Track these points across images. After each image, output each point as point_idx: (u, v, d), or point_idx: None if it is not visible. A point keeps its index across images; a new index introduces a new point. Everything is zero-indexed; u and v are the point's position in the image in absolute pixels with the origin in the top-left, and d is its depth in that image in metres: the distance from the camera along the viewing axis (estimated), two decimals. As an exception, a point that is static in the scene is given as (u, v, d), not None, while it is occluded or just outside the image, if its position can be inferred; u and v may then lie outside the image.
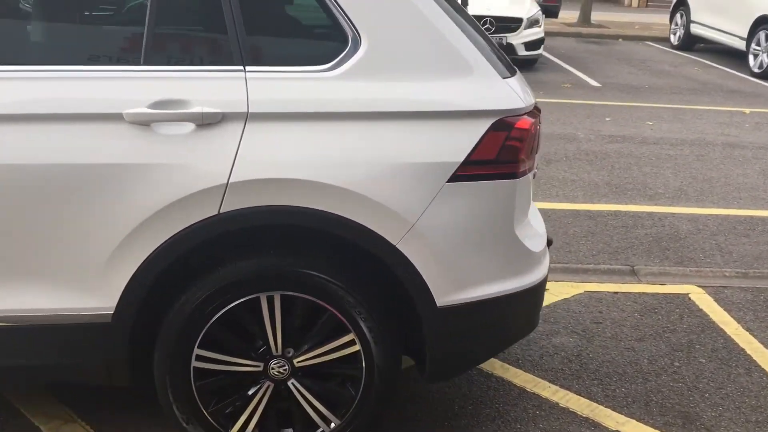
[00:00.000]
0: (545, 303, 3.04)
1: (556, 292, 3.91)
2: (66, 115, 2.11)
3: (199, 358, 2.33)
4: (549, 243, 3.28)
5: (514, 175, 2.34)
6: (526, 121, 2.35)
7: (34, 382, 2.71)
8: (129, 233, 2.16)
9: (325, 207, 2.19)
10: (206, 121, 2.15)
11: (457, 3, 2.72)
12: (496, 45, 2.63)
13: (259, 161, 2.17)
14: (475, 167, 2.29)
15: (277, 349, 2.37)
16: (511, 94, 2.35)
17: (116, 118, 2.12)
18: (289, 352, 2.39)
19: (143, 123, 2.13)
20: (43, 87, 2.14)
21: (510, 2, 10.86)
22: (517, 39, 10.45)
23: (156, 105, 2.14)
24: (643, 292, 4.04)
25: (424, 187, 2.25)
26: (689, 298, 3.99)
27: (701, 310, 3.86)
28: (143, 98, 2.13)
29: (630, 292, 4.03)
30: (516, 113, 2.34)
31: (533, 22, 10.67)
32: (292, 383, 2.41)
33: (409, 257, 2.27)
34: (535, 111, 2.46)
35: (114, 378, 2.36)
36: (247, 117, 2.17)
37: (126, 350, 2.29)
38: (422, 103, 2.26)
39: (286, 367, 2.39)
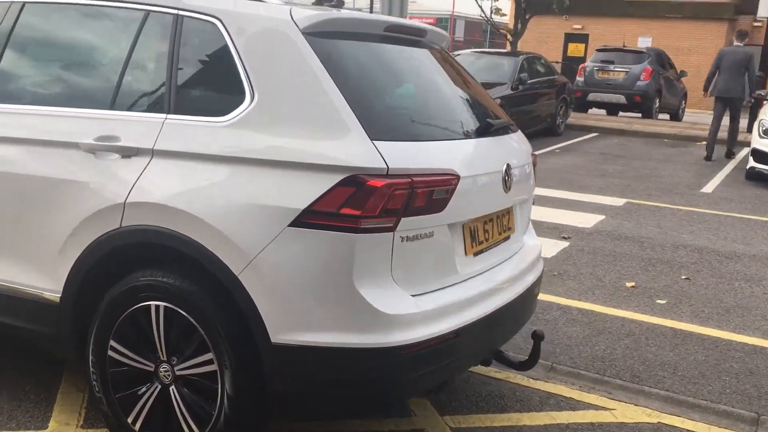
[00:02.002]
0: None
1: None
2: (40, 141, 2.91)
3: (112, 348, 2.83)
4: (538, 337, 3.12)
5: (354, 230, 2.42)
6: (378, 182, 2.43)
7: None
8: (70, 233, 2.82)
9: (186, 232, 2.57)
10: (125, 153, 2.74)
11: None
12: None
13: (147, 188, 2.67)
14: (316, 216, 2.44)
15: (163, 355, 2.75)
16: (373, 155, 2.46)
17: (75, 146, 2.84)
18: (173, 360, 2.75)
19: (89, 150, 2.81)
20: (27, 120, 2.99)
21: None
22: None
23: (99, 138, 2.80)
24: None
25: (267, 227, 2.48)
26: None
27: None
28: (92, 133, 2.81)
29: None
30: (371, 173, 2.44)
31: None
32: (172, 389, 2.75)
33: (247, 289, 2.50)
34: (416, 175, 2.51)
35: (59, 350, 2.99)
36: (153, 153, 2.70)
37: (68, 328, 2.91)
38: (282, 152, 2.53)
39: (170, 373, 2.75)
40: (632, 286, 5.51)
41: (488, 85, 12.38)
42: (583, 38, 29.78)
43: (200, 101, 2.81)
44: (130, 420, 2.84)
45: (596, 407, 3.65)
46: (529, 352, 3.45)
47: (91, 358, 2.88)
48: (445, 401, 3.56)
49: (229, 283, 2.53)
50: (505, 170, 3.04)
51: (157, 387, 2.78)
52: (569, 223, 7.43)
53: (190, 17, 2.84)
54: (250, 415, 2.64)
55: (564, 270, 5.85)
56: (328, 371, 2.52)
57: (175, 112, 2.76)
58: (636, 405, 3.70)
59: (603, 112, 18.71)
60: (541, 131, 14.37)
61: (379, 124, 2.57)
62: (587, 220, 7.63)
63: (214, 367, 2.63)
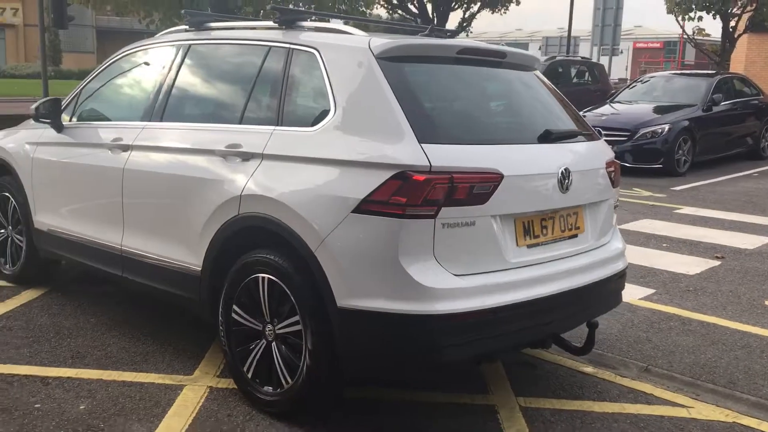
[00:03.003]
0: None
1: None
2: (185, 149, 3.80)
3: (234, 311, 3.60)
4: (592, 326, 3.47)
5: (400, 216, 2.97)
6: (420, 176, 2.96)
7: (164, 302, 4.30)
8: (207, 218, 3.64)
9: (280, 217, 3.27)
10: (244, 157, 3.52)
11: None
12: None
13: (255, 183, 3.41)
14: (372, 205, 3.02)
15: (267, 317, 3.46)
16: (419, 155, 3.00)
17: (212, 152, 3.68)
18: (274, 321, 3.44)
19: (221, 155, 3.63)
20: (182, 134, 3.88)
21: None
22: None
23: (228, 146, 3.61)
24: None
25: (336, 213, 3.10)
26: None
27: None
28: (224, 141, 3.63)
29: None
30: (416, 169, 2.98)
31: None
32: (273, 345, 3.45)
33: (320, 262, 3.13)
34: (457, 172, 3.00)
35: (200, 312, 3.82)
36: (262, 156, 3.45)
37: (206, 294, 3.73)
38: (352, 153, 3.14)
39: (272, 332, 3.45)
40: (770, 304, 5.37)
41: (676, 108, 12.14)
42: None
43: (299, 115, 3.52)
44: (244, 369, 3.57)
45: (674, 404, 3.80)
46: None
47: (220, 319, 3.66)
48: (525, 385, 3.92)
49: (308, 258, 3.18)
50: (562, 173, 3.39)
51: (263, 343, 3.49)
52: (730, 244, 7.23)
53: (298, 49, 3.57)
54: (325, 367, 3.24)
55: (702, 286, 5.82)
56: (379, 331, 3.06)
57: (282, 124, 3.49)
58: (717, 406, 3.79)
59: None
60: (742, 154, 13.62)
61: (429, 130, 3.10)
62: (751, 242, 7.36)
63: (299, 327, 3.28)
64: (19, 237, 5.25)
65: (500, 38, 67.45)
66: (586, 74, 16.39)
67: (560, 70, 15.35)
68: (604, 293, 3.73)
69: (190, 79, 4.17)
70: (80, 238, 4.56)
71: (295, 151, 3.35)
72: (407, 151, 3.02)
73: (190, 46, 4.20)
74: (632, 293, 5.54)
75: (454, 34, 3.99)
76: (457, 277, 3.07)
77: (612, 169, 3.84)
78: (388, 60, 3.28)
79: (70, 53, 46.69)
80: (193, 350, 4.21)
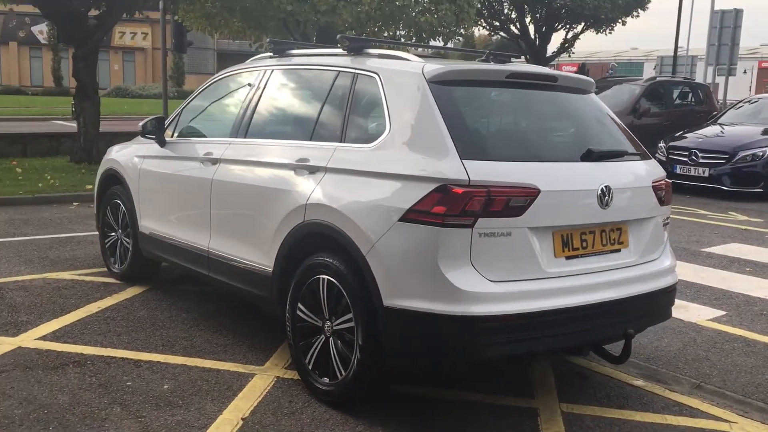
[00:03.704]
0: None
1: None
2: (262, 162, 4.25)
3: (299, 309, 4.00)
4: (628, 336, 3.66)
5: (440, 225, 3.28)
6: (459, 189, 3.26)
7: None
8: (278, 224, 4.07)
9: (337, 224, 3.65)
10: (311, 170, 3.93)
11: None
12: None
13: (319, 193, 3.81)
14: (416, 214, 3.35)
15: (326, 314, 3.84)
16: (460, 170, 3.30)
17: (285, 166, 4.11)
18: (332, 318, 3.82)
19: (292, 168, 4.06)
20: (259, 149, 4.34)
21: None
22: None
23: (298, 160, 4.04)
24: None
25: (385, 221, 3.45)
26: None
27: None
28: (295, 156, 4.07)
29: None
30: (456, 183, 3.29)
31: None
32: (331, 340, 3.82)
33: (370, 265, 3.48)
34: (494, 186, 3.28)
35: (270, 309, 4.25)
36: (326, 170, 3.85)
37: (276, 293, 4.16)
38: (402, 167, 3.49)
39: (330, 328, 3.82)
40: None
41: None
42: None
43: (359, 132, 3.89)
44: (306, 361, 3.96)
45: (718, 418, 3.87)
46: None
47: (287, 315, 4.07)
48: (571, 393, 4.10)
49: (360, 261, 3.53)
50: (602, 190, 3.60)
51: (322, 338, 3.87)
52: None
53: (362, 74, 3.97)
54: (373, 360, 3.57)
55: (778, 310, 5.75)
56: (420, 330, 3.37)
57: (344, 141, 3.88)
58: (763, 423, 3.84)
59: None
60: None
61: (471, 148, 3.40)
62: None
63: (352, 324, 3.63)
64: (126, 239, 5.90)
65: (614, 57, 66.00)
66: (690, 95, 16.00)
67: (661, 90, 15.09)
68: (647, 307, 3.87)
69: (270, 100, 4.65)
70: (175, 240, 5.13)
71: (352, 165, 3.73)
72: (449, 166, 3.33)
73: (272, 70, 4.69)
74: (701, 314, 5.57)
75: (509, 58, 4.26)
76: (493, 283, 3.33)
77: (661, 187, 3.99)
78: (438, 83, 3.61)
79: (192, 74, 49.60)
80: (266, 345, 4.65)
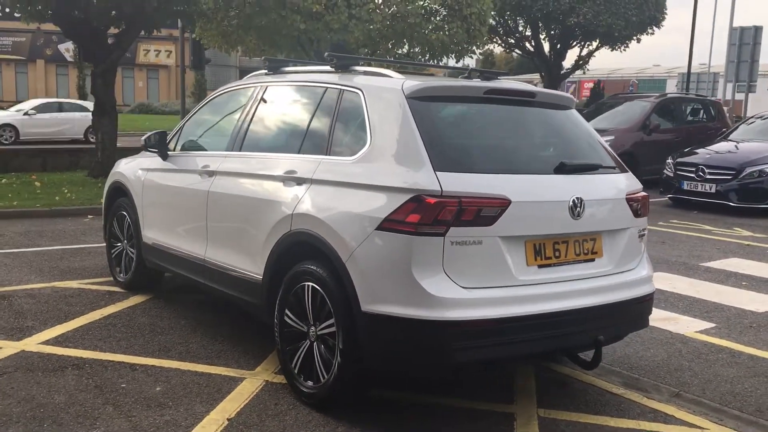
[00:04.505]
0: None
1: None
2: (255, 174, 4.43)
3: (286, 315, 4.16)
4: (598, 342, 3.78)
5: (413, 233, 3.43)
6: (432, 200, 3.42)
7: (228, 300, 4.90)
8: (268, 233, 4.25)
9: (320, 233, 3.82)
10: (298, 182, 4.11)
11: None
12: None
13: (304, 203, 3.98)
14: (391, 223, 3.51)
15: (311, 320, 3.99)
16: (433, 181, 3.46)
17: (275, 177, 4.30)
18: (316, 324, 3.97)
19: (281, 180, 4.24)
20: (251, 162, 4.53)
21: None
22: None
23: (286, 172, 4.22)
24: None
25: (363, 230, 3.61)
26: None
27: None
28: (283, 168, 4.25)
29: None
30: (429, 193, 3.44)
31: None
32: (315, 345, 3.98)
33: (350, 272, 3.64)
34: (465, 197, 3.44)
35: (260, 316, 4.41)
36: (311, 181, 4.03)
37: (265, 300, 4.33)
38: (380, 178, 3.65)
39: (314, 333, 3.98)
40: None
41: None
42: None
43: (343, 145, 4.07)
44: (292, 365, 4.11)
45: (692, 425, 3.97)
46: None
47: (276, 321, 4.24)
48: (550, 399, 4.21)
49: (340, 268, 3.69)
50: (573, 201, 3.73)
51: (307, 343, 4.02)
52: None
53: (347, 90, 4.15)
54: (353, 363, 3.72)
55: (766, 324, 5.80)
56: (396, 334, 3.52)
57: (329, 154, 4.06)
58: (736, 431, 3.92)
59: None
60: None
61: (445, 160, 3.55)
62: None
63: (334, 329, 3.79)
64: (131, 250, 6.11)
65: (636, 74, 65.80)
66: (701, 112, 16.03)
67: (672, 107, 15.15)
68: (621, 315, 3.98)
69: (264, 115, 4.85)
70: (175, 250, 5.32)
71: (335, 176, 3.90)
72: (423, 177, 3.49)
73: (267, 86, 4.89)
74: (690, 326, 5.65)
75: (496, 75, 4.40)
76: (465, 289, 3.48)
77: (636, 199, 4.11)
78: (417, 99, 3.78)
79: (214, 91, 50.21)
80: (259, 351, 4.81)
